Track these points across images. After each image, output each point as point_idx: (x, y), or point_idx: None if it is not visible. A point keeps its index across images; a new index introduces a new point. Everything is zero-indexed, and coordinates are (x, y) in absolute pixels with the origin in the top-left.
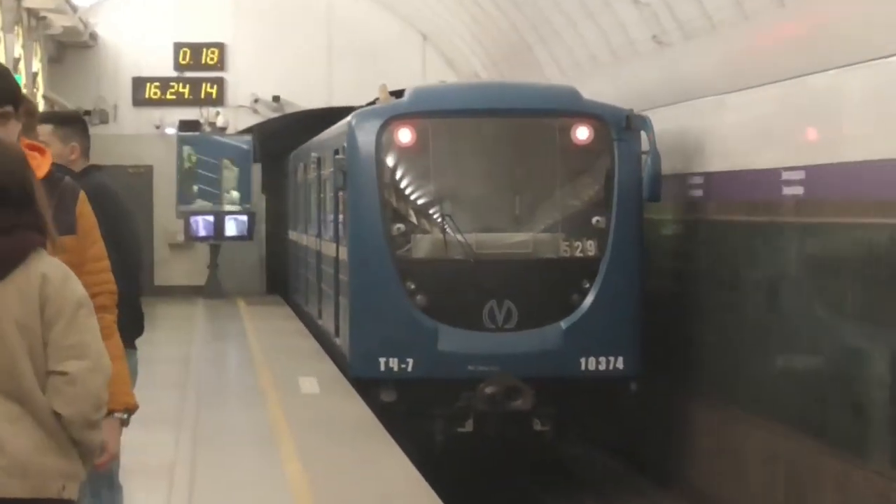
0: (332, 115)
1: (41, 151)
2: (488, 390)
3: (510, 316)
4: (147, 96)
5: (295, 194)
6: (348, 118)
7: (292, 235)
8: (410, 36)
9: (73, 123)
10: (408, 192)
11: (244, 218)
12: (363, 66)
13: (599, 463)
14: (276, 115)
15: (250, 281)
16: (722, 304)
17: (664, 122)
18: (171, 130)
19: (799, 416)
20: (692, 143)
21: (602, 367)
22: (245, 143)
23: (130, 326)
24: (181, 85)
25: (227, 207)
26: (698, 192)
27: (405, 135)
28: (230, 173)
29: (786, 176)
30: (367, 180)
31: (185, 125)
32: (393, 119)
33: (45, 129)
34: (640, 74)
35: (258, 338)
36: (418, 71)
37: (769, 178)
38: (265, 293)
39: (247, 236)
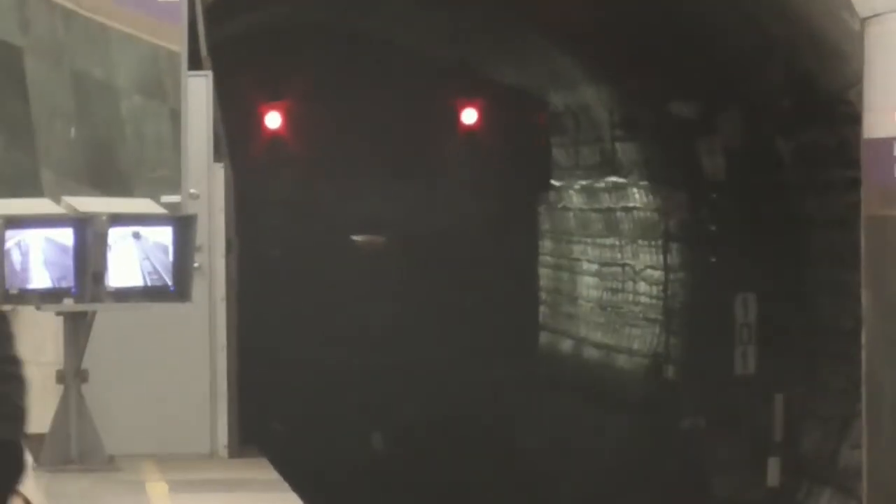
0: None
1: None
2: None
3: None
4: None
5: None
6: None
7: None
8: None
9: None
10: None
11: (163, 234)
12: None
13: None
14: None
15: (181, 418)
16: None
17: None
18: None
19: None
20: None
21: None
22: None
23: None
24: None
25: (114, 206)
26: None
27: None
28: (124, 104)
29: None
30: None
31: None
32: None
33: None
34: None
35: None
36: None
37: None
38: (230, 451)
39: (171, 288)
